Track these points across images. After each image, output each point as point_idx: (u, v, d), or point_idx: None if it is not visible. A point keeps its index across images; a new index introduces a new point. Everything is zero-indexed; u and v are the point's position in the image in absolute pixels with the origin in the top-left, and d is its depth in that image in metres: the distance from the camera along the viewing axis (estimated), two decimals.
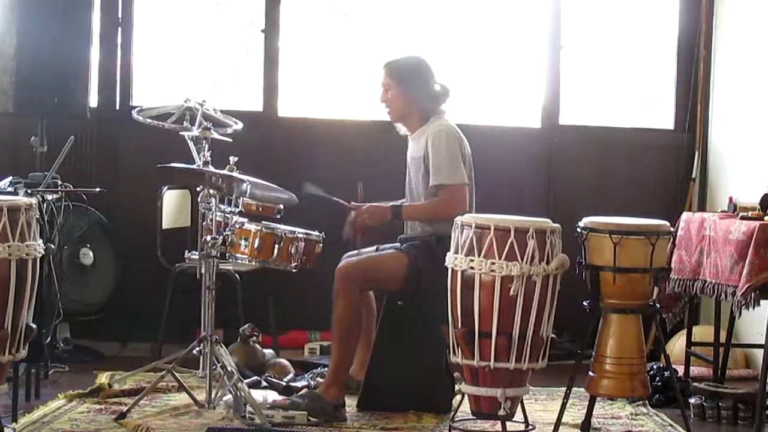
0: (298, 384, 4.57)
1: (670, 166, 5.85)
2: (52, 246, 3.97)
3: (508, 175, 5.66)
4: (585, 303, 3.97)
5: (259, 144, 5.56)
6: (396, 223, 4.44)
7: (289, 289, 5.35)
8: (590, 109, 6.06)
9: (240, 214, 4.28)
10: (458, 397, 4.11)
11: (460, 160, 4.25)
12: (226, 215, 4.24)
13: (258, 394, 4.29)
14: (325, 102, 5.95)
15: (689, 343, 4.96)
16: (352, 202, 4.39)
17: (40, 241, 3.63)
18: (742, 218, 4.25)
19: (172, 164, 4.31)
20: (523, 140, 5.84)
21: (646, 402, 4.51)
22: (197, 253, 4.18)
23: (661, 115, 6.04)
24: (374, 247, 4.44)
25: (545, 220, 3.86)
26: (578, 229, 3.99)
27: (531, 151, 5.82)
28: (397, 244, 4.35)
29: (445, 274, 3.84)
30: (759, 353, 4.59)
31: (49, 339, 4.77)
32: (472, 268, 3.72)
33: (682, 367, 4.90)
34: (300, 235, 4.23)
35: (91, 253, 5.32)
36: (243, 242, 4.17)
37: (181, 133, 4.41)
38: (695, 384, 4.53)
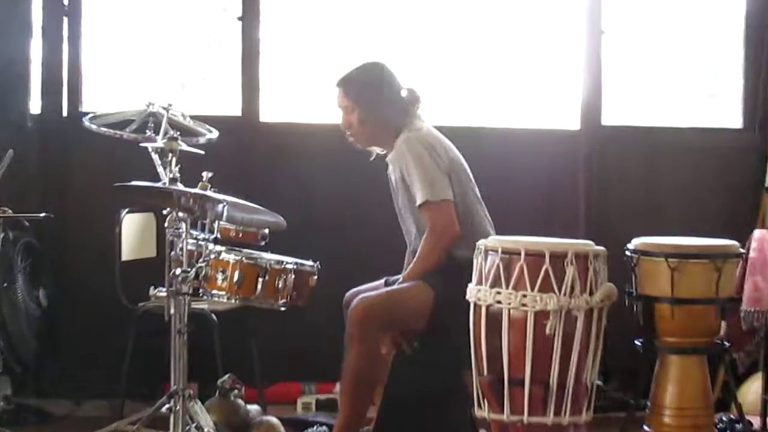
0: None
1: (737, 173, 5.86)
2: None
3: (539, 187, 5.68)
4: (637, 342, 3.98)
5: (238, 155, 5.59)
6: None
7: (277, 332, 5.36)
8: (639, 107, 6.08)
9: (216, 241, 4.29)
10: None
11: (436, 171, 4.31)
12: (200, 243, 4.26)
13: None
14: (317, 104, 5.95)
15: (766, 390, 4.96)
16: None
17: None
18: None
19: (133, 182, 4.34)
20: (557, 145, 5.85)
21: None
22: (165, 289, 4.20)
23: (727, 112, 6.07)
24: (383, 280, 4.47)
25: (587, 242, 3.88)
26: (627, 253, 4.01)
27: (568, 157, 5.83)
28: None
29: (467, 309, 3.86)
30: None
31: None
32: (498, 302, 3.74)
33: (758, 418, 4.89)
34: (289, 266, 4.25)
35: (42, 293, 5.35)
36: (220, 275, 4.19)
37: (143, 144, 4.44)
38: None
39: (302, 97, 6.00)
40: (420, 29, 5.76)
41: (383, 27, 5.91)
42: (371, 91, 4.42)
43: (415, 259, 4.33)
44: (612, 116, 5.93)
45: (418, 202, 4.29)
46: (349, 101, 4.43)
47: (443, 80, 5.89)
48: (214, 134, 4.93)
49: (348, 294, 4.44)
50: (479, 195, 4.48)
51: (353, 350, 4.17)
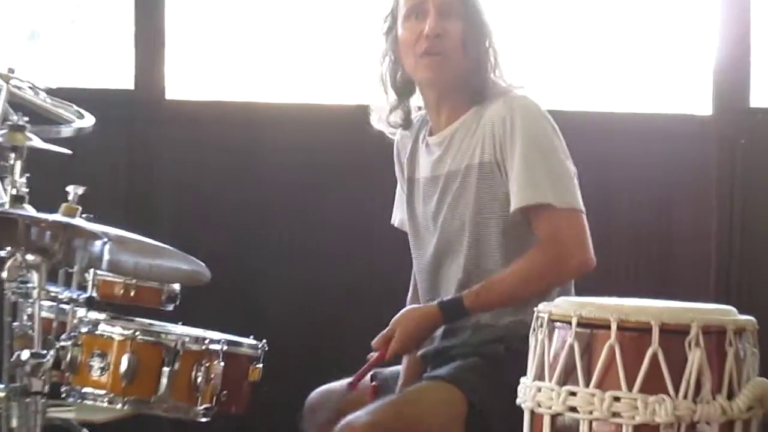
0: None
1: None
2: None
3: (645, 206, 5.72)
4: None
5: (128, 157, 5.62)
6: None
7: None
8: None
9: (91, 303, 4.31)
10: None
11: (565, 167, 4.37)
12: (62, 307, 4.27)
13: None
14: (251, 73, 6.00)
15: None
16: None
17: None
18: None
19: None
20: (677, 138, 5.89)
21: None
22: (2, 386, 4.21)
23: None
24: (365, 375, 4.49)
25: (723, 307, 3.89)
26: None
27: (692, 158, 5.87)
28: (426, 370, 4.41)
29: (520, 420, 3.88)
30: None
31: None
32: (573, 408, 3.75)
33: None
34: (215, 347, 4.27)
35: None
36: (97, 363, 4.20)
37: None
38: None
39: (236, 60, 6.08)
40: None
41: None
42: (484, 15, 4.51)
43: (505, 275, 4.29)
44: (764, 96, 5.97)
45: (537, 200, 4.28)
46: (459, 4, 4.50)
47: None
48: (89, 121, 4.95)
49: (312, 396, 4.44)
50: None
51: None
